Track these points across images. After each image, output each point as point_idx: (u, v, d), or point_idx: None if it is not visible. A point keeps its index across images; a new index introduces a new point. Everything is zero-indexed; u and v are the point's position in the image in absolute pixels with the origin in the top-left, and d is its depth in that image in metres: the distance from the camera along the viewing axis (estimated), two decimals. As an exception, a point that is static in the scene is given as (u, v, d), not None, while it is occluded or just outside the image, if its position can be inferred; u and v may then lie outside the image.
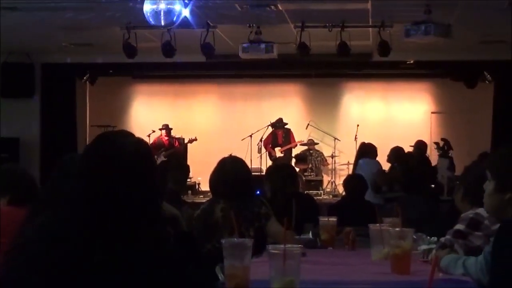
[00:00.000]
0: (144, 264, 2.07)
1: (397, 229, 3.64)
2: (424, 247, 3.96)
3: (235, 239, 3.07)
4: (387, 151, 11.74)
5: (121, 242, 2.08)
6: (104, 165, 2.16)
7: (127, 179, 2.15)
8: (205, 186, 12.26)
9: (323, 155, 15.20)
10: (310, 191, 12.29)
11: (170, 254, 2.17)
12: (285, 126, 14.84)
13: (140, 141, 2.29)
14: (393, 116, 16.47)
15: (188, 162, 12.08)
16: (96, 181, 2.15)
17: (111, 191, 2.13)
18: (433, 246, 3.91)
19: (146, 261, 2.08)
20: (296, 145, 14.91)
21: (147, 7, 8.60)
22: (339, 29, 10.64)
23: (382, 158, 11.37)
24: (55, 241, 2.07)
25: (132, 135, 2.29)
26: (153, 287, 2.08)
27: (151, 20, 8.65)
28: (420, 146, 12.53)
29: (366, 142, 11.90)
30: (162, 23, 8.73)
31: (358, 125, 15.13)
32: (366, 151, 11.44)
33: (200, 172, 12.29)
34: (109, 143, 2.24)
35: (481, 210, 3.61)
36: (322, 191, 13.67)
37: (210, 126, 16.60)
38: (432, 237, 4.19)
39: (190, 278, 2.21)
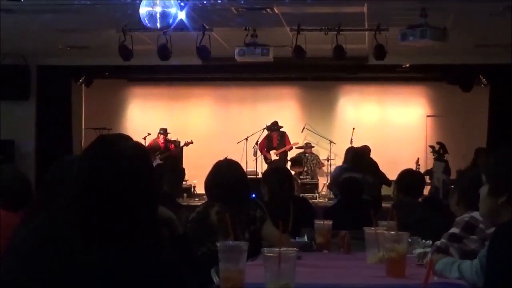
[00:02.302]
0: (140, 267, 2.07)
1: (392, 232, 3.64)
2: (419, 250, 3.96)
3: (230, 242, 3.07)
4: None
5: (117, 244, 2.08)
6: (103, 167, 2.16)
7: (125, 182, 2.15)
8: (200, 189, 12.24)
9: (318, 158, 15.19)
10: (305, 194, 12.27)
11: (166, 256, 2.17)
12: (280, 129, 14.84)
13: (139, 145, 2.32)
14: (389, 119, 16.48)
15: (184, 165, 12.08)
16: (94, 183, 2.15)
17: (108, 194, 2.13)
18: (428, 249, 3.91)
19: (142, 264, 2.08)
20: (291, 148, 14.91)
21: (143, 10, 8.59)
22: (335, 32, 10.64)
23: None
24: (51, 242, 2.07)
25: (130, 138, 2.30)
26: None
27: (147, 22, 8.65)
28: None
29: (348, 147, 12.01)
30: (158, 26, 8.72)
31: (353, 128, 15.12)
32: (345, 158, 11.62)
33: (196, 175, 12.26)
34: (108, 146, 2.24)
35: (476, 214, 3.61)
36: (317, 195, 13.65)
37: (206, 129, 16.59)
38: (427, 241, 4.19)
39: (185, 280, 2.21)
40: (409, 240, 3.99)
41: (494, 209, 2.88)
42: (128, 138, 2.30)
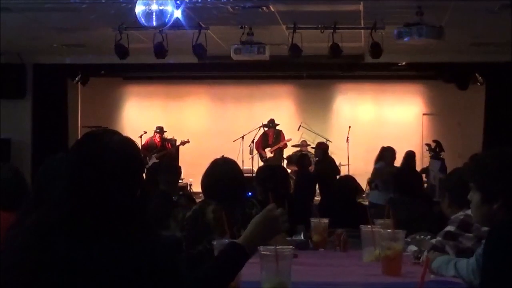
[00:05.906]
0: (132, 264, 2.05)
1: (388, 230, 3.64)
2: (415, 248, 3.96)
3: (227, 240, 3.07)
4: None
5: (104, 240, 2.06)
6: (87, 163, 2.14)
7: (111, 178, 2.12)
8: (196, 187, 12.25)
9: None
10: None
11: (159, 253, 2.15)
12: (277, 128, 14.84)
13: (125, 139, 2.25)
14: (385, 117, 16.50)
15: (180, 163, 12.08)
16: (78, 180, 2.13)
17: (93, 189, 2.10)
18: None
19: (134, 261, 2.06)
20: (285, 145, 14.89)
21: (139, 8, 8.58)
22: (331, 30, 10.64)
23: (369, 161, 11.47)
24: (41, 241, 2.06)
25: (117, 133, 2.25)
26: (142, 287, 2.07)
27: (143, 21, 8.64)
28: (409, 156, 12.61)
29: (385, 146, 11.91)
30: (154, 24, 8.72)
31: (350, 127, 15.15)
32: (383, 155, 11.48)
33: (192, 173, 12.27)
34: (93, 141, 2.22)
35: (470, 211, 3.61)
36: (313, 193, 13.62)
37: (202, 127, 16.60)
38: (427, 236, 4.18)
39: (180, 279, 2.20)
40: (417, 238, 4.00)
41: (489, 215, 2.86)
42: (114, 133, 2.25)
